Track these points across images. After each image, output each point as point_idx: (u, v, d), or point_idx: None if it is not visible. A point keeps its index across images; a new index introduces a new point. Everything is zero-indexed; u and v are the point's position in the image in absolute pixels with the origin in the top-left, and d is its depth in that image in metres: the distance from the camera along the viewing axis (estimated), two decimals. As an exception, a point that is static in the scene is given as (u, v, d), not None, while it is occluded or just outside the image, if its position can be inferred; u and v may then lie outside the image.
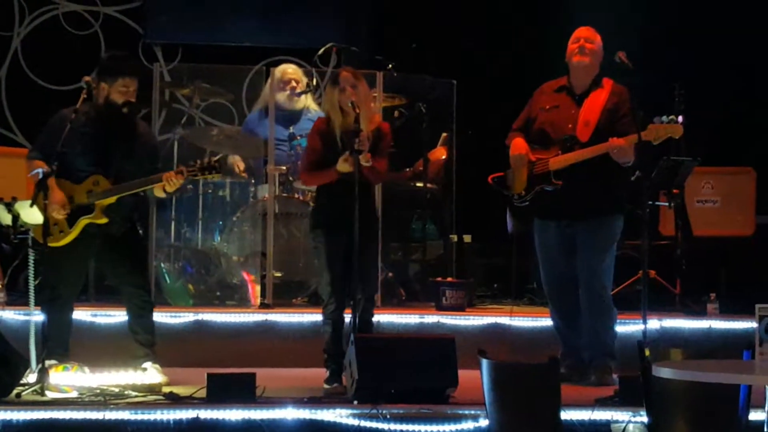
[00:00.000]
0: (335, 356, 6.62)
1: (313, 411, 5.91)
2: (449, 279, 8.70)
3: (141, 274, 7.00)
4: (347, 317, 6.69)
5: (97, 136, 6.79)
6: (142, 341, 6.83)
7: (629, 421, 5.81)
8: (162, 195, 6.95)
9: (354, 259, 6.45)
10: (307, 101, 8.91)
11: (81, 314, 7.34)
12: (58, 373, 6.43)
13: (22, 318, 7.38)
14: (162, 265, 8.57)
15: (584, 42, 6.94)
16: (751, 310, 4.71)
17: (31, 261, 6.59)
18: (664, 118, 6.64)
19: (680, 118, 6.62)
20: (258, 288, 8.35)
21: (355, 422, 5.85)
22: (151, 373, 6.65)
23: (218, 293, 8.59)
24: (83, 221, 6.73)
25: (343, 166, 6.57)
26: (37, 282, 6.62)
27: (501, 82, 10.18)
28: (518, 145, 6.98)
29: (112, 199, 6.75)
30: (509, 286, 9.10)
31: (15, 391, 6.09)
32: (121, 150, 6.80)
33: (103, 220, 6.75)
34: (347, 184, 6.49)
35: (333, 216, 6.63)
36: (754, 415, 5.66)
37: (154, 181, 6.77)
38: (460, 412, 5.93)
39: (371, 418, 5.85)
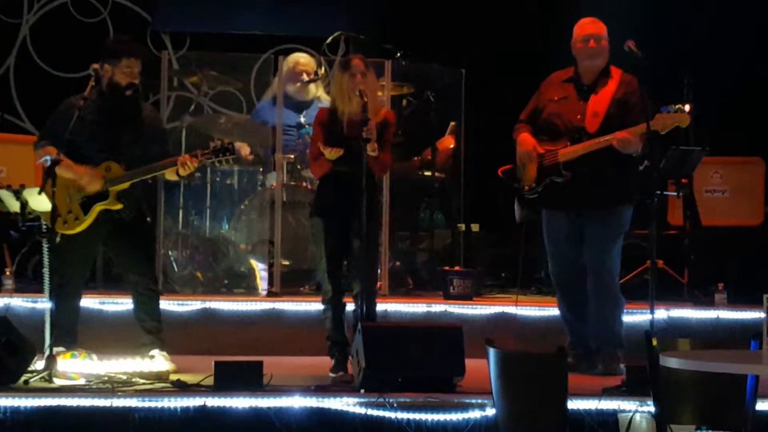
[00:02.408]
0: (339, 344, 6.64)
1: (320, 399, 5.91)
2: (457, 268, 8.69)
3: (147, 262, 7.01)
4: (349, 305, 6.70)
5: (104, 122, 6.79)
6: (148, 328, 6.84)
7: (636, 411, 5.80)
8: (174, 178, 6.95)
9: (354, 248, 6.46)
10: (318, 91, 8.88)
11: (89, 302, 7.35)
12: (65, 360, 6.44)
13: (30, 305, 7.40)
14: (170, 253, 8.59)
15: (594, 43, 6.89)
16: (759, 300, 4.71)
17: (45, 249, 6.58)
18: (671, 107, 6.62)
19: (687, 107, 6.60)
20: (265, 276, 8.36)
21: (362, 411, 5.86)
22: (158, 361, 6.66)
23: (226, 281, 8.60)
24: (98, 207, 6.74)
25: (329, 154, 6.55)
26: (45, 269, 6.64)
27: (510, 71, 10.16)
28: (525, 140, 6.96)
29: (126, 185, 6.76)
30: (517, 275, 9.10)
31: (23, 378, 6.11)
32: (128, 134, 6.81)
33: (118, 206, 6.76)
34: (346, 174, 6.49)
35: (331, 205, 6.63)
36: (762, 405, 5.67)
37: (168, 165, 6.77)
38: (467, 400, 5.93)
39: (378, 406, 5.85)
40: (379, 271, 7.78)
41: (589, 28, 6.95)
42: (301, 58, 8.91)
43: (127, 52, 6.81)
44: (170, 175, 6.87)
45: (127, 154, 6.80)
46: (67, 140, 6.53)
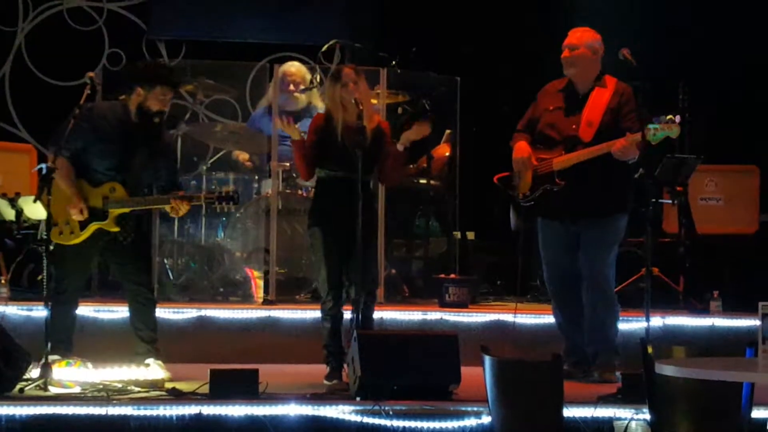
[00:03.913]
0: (335, 353, 6.64)
1: (315, 407, 5.91)
2: (452, 276, 8.69)
3: (145, 271, 7.00)
4: (346, 313, 6.70)
5: (122, 142, 6.75)
6: (144, 337, 6.83)
7: (632, 419, 5.80)
8: (175, 215, 6.94)
9: (355, 256, 6.46)
10: (313, 99, 8.87)
11: (84, 310, 7.33)
12: (61, 368, 6.43)
13: (25, 313, 7.39)
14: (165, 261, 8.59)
15: (567, 52, 6.92)
16: (755, 308, 4.70)
17: (46, 259, 6.55)
18: (662, 117, 6.63)
19: (677, 118, 6.60)
20: (261, 284, 8.35)
21: (358, 419, 5.86)
22: (154, 369, 6.65)
23: (221, 289, 8.59)
24: (94, 226, 6.72)
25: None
26: (40, 277, 6.62)
27: (505, 79, 10.18)
28: (521, 148, 6.98)
29: (126, 210, 6.74)
30: (512, 283, 9.10)
31: (18, 387, 6.09)
32: (141, 159, 6.78)
33: (115, 229, 6.74)
34: (343, 180, 6.52)
35: (330, 214, 6.63)
36: (757, 413, 5.67)
37: (164, 201, 6.74)
38: (463, 408, 5.93)
39: (374, 414, 5.85)
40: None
41: (568, 37, 6.98)
42: (291, 68, 8.90)
43: (164, 81, 6.75)
44: (172, 212, 6.85)
45: (135, 178, 6.78)
46: (79, 151, 6.53)
